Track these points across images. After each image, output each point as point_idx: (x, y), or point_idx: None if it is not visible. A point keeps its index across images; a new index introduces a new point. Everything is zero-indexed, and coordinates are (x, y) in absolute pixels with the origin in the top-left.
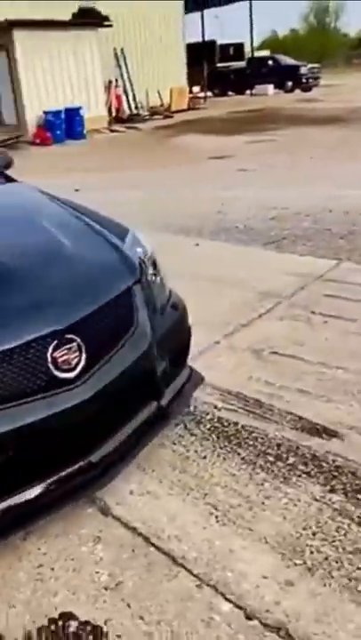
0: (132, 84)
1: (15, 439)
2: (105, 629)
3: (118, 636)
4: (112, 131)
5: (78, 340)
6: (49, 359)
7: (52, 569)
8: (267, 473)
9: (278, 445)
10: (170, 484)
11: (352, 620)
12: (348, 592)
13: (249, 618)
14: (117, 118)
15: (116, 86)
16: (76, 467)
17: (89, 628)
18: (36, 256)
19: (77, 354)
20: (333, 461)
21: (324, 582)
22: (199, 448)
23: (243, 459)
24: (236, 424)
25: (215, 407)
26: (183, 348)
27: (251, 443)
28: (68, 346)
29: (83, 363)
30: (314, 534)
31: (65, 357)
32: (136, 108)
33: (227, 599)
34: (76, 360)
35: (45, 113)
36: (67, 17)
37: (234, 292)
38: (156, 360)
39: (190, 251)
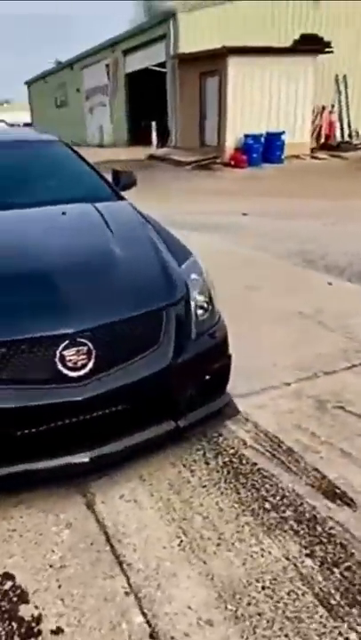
0: (348, 111)
1: (18, 416)
2: (29, 598)
3: (36, 607)
4: (313, 157)
5: (90, 344)
6: (57, 356)
7: (21, 536)
8: (254, 518)
9: (283, 497)
10: (157, 500)
11: None
12: None
13: (152, 637)
14: (325, 145)
15: (331, 112)
16: (69, 460)
17: (18, 591)
18: (86, 263)
19: (86, 357)
20: (330, 528)
21: (243, 635)
22: (205, 477)
23: (240, 498)
24: (254, 464)
25: (244, 443)
26: (216, 376)
27: (257, 486)
28: (77, 348)
29: (90, 366)
30: (262, 588)
31: (72, 358)
32: (349, 135)
33: (143, 613)
34: (83, 362)
35: (246, 136)
36: (286, 43)
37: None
38: (177, 381)
39: None
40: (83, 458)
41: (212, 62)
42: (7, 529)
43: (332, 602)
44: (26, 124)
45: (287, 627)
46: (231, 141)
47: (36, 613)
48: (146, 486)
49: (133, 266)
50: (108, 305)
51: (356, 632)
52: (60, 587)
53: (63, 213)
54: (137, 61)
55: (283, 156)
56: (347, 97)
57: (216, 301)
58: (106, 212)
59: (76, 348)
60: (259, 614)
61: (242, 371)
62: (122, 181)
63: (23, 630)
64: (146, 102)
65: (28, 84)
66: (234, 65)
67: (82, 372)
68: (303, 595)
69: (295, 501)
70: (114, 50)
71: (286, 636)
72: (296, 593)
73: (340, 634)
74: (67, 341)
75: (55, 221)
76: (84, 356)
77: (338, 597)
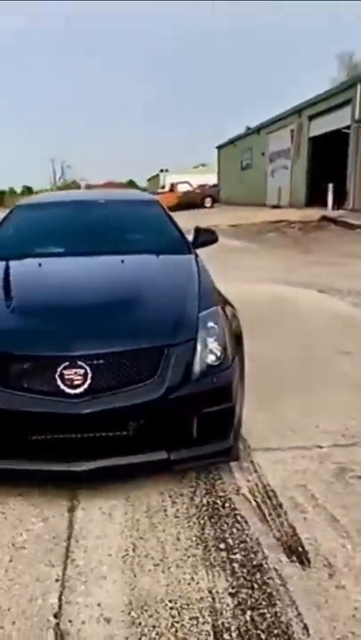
0: None
1: (25, 420)
2: None
3: None
4: None
5: (87, 367)
6: (57, 373)
7: (5, 518)
8: (203, 553)
9: (242, 542)
10: (128, 518)
11: None
12: None
13: (55, 617)
14: None
15: None
16: (58, 468)
17: None
18: (110, 301)
19: (82, 378)
20: (269, 578)
21: (128, 637)
22: (182, 510)
23: (202, 534)
24: (234, 510)
25: (237, 491)
26: (216, 419)
27: (224, 528)
28: (75, 370)
29: (85, 386)
30: (171, 608)
31: (70, 377)
32: None
33: (59, 598)
34: (79, 382)
35: None
36: None
37: None
38: (170, 415)
39: None
40: (71, 467)
41: None
42: (0, 512)
43: (226, 637)
44: (213, 185)
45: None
46: None
47: None
48: (126, 506)
49: (151, 307)
50: (111, 337)
51: None
52: (10, 560)
53: (122, 261)
54: (321, 126)
55: None
56: None
57: (230, 351)
58: (163, 262)
59: (74, 370)
60: (153, 626)
61: (280, 428)
62: (200, 238)
63: None
64: (326, 165)
65: (219, 148)
66: None
67: (77, 391)
68: (203, 624)
69: (251, 549)
70: (300, 115)
71: None
72: (198, 620)
73: None
74: (67, 362)
75: (111, 267)
76: (80, 377)
77: (233, 634)
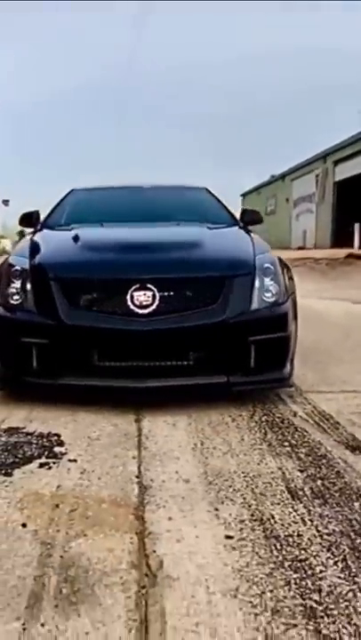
0: None
1: (99, 333)
2: (64, 445)
3: (66, 449)
4: None
5: (155, 290)
6: (129, 295)
7: (75, 421)
8: (268, 448)
9: (304, 442)
10: (193, 427)
11: None
12: None
13: (137, 477)
14: None
15: None
16: (129, 384)
17: (58, 441)
18: (176, 243)
19: (151, 299)
20: (336, 463)
21: (207, 490)
22: (243, 424)
23: (264, 437)
24: (293, 425)
25: (294, 414)
26: (273, 347)
27: (286, 435)
28: (144, 292)
29: (154, 307)
30: (244, 477)
31: (140, 298)
32: None
33: (138, 467)
34: (147, 303)
35: None
36: None
37: None
38: (230, 338)
39: None
40: (138, 383)
41: None
42: (72, 418)
43: (300, 493)
44: None
45: (249, 495)
46: None
47: (63, 450)
48: (188, 420)
49: (211, 249)
50: (177, 266)
51: (306, 510)
52: (87, 446)
53: (177, 224)
54: (347, 170)
55: None
56: None
57: (288, 289)
58: (215, 229)
59: (143, 292)
60: (229, 486)
61: (331, 381)
62: (246, 217)
63: (52, 455)
64: (352, 207)
65: (243, 195)
66: None
67: (146, 311)
68: (277, 486)
69: (315, 447)
70: (325, 161)
71: (243, 496)
72: (271, 484)
73: (293, 508)
74: (137, 285)
75: (169, 228)
76: (148, 298)
77: (307, 491)
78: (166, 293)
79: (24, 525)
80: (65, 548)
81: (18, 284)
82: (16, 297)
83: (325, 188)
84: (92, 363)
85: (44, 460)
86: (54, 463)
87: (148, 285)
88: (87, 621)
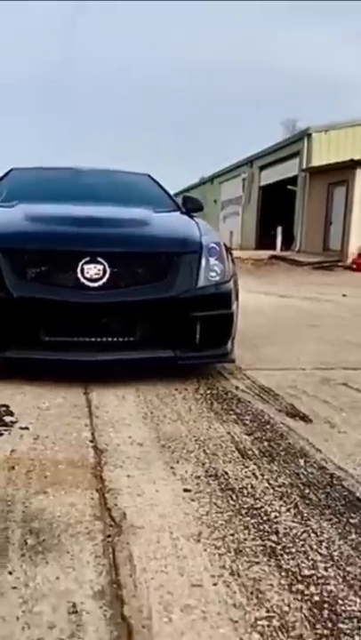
0: None
1: (48, 306)
2: (14, 415)
3: (16, 418)
4: None
5: (105, 264)
6: (79, 268)
7: (24, 395)
8: (216, 416)
9: (248, 411)
10: (141, 399)
11: None
12: None
13: (92, 442)
14: None
15: None
16: (78, 357)
17: (7, 411)
18: (126, 220)
19: (101, 273)
20: (278, 427)
21: (162, 453)
22: (189, 396)
23: (211, 407)
24: (236, 396)
25: (236, 387)
26: (216, 324)
27: (231, 405)
28: (93, 265)
29: (104, 280)
30: (195, 440)
31: (91, 271)
32: None
33: (92, 434)
34: (98, 276)
35: None
36: None
37: None
38: (176, 314)
39: None
40: (88, 357)
41: (340, 173)
42: (18, 391)
43: (249, 452)
44: None
45: (202, 455)
46: (355, 247)
47: (13, 420)
48: (137, 393)
49: (159, 227)
50: (127, 241)
51: (257, 466)
52: (38, 415)
53: (124, 205)
54: (271, 175)
55: None
56: None
57: (231, 270)
58: (161, 212)
59: (93, 264)
60: (183, 448)
61: (267, 360)
62: (188, 204)
63: (2, 423)
64: (275, 210)
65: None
66: None
67: (96, 284)
68: (227, 448)
69: (258, 414)
70: (251, 166)
71: (196, 457)
72: (222, 446)
73: (244, 465)
74: (88, 257)
75: (115, 208)
76: (99, 272)
77: (255, 451)
78: (116, 268)
79: None
80: (25, 504)
81: None
82: None
83: (251, 192)
84: (41, 335)
85: None
86: (5, 430)
87: (99, 259)
88: (56, 567)
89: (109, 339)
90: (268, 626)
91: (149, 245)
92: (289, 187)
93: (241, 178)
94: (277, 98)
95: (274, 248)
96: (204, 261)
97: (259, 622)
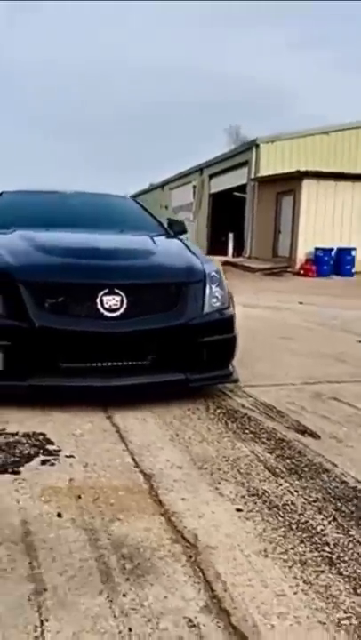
0: None
1: (69, 335)
2: (55, 443)
3: (58, 447)
4: None
5: (123, 295)
6: (98, 299)
7: (54, 422)
8: (235, 435)
9: (262, 429)
10: (161, 421)
11: None
12: None
13: (137, 467)
14: None
15: None
16: (94, 383)
17: (46, 439)
18: (132, 250)
19: (119, 304)
20: (294, 444)
21: (201, 474)
22: (203, 415)
23: (227, 426)
24: (246, 415)
25: (242, 406)
26: (221, 347)
27: (244, 423)
28: (112, 296)
29: (122, 310)
30: (226, 460)
31: (110, 302)
32: None
33: (133, 458)
34: (116, 306)
35: (316, 249)
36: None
37: None
38: (186, 339)
39: None
40: (104, 382)
41: (287, 183)
42: (47, 418)
43: (277, 470)
44: None
45: (237, 475)
46: (302, 253)
47: (56, 448)
48: (154, 415)
49: (164, 256)
50: (141, 273)
51: (289, 483)
52: (76, 442)
53: (121, 231)
54: (221, 183)
55: (353, 270)
56: None
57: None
58: (156, 237)
59: (112, 296)
60: (218, 469)
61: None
62: (175, 227)
63: (48, 452)
64: (225, 217)
65: None
66: (307, 186)
67: (115, 314)
68: (257, 467)
69: (271, 432)
70: (201, 173)
71: (234, 477)
72: (251, 465)
73: (278, 483)
74: (106, 289)
75: (112, 235)
76: (117, 303)
77: (282, 469)
78: (132, 298)
79: (59, 515)
80: (107, 531)
81: None
82: None
83: (202, 199)
84: (62, 364)
85: (42, 457)
86: (55, 460)
87: (117, 290)
88: (160, 588)
89: (124, 363)
90: (351, 625)
91: (161, 276)
92: (236, 193)
93: (191, 185)
94: (220, 104)
95: (225, 254)
96: (208, 289)
97: (342, 622)
